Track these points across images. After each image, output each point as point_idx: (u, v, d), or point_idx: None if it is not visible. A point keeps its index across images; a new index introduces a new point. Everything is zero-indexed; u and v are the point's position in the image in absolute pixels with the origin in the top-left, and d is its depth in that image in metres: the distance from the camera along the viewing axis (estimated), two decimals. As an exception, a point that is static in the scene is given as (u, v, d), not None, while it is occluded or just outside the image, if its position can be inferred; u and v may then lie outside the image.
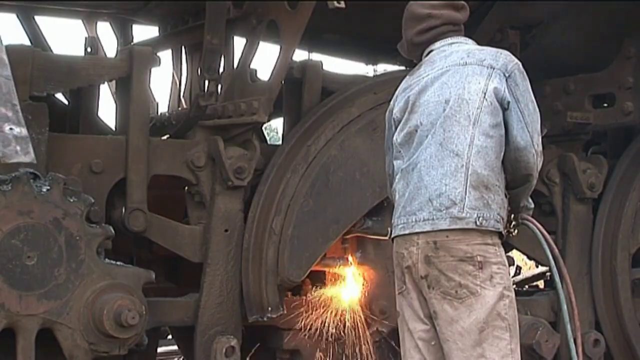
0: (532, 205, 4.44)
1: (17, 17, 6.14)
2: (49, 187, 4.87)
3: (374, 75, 6.39)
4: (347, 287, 5.69)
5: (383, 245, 5.58)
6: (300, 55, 6.05)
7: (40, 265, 4.83)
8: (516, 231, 4.38)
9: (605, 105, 6.26)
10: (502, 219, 4.17)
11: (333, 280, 5.77)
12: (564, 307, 4.59)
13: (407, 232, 4.18)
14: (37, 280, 4.82)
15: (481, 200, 4.10)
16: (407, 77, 4.45)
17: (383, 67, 6.85)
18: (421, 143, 4.20)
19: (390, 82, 5.76)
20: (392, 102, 4.48)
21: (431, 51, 4.40)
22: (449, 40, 4.39)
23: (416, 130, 4.24)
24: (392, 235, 4.29)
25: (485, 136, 4.12)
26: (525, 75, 4.24)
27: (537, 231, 4.49)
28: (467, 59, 4.25)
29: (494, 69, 4.20)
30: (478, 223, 4.08)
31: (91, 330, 4.92)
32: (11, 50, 4.18)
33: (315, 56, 6.37)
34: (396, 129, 4.38)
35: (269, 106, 5.31)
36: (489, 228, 4.10)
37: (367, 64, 6.95)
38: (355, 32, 6.24)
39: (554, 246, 4.60)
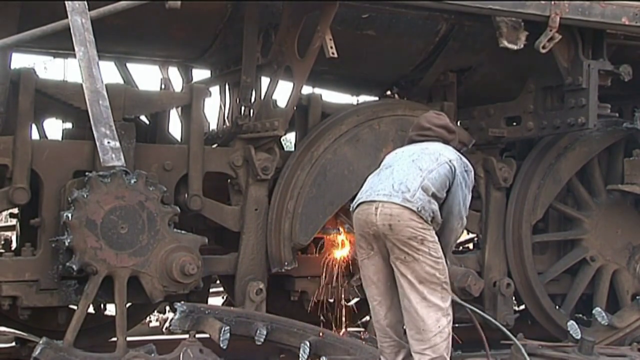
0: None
1: (115, 64, 6.13)
2: (135, 180, 4.87)
3: (357, 103, 6.36)
4: (338, 248, 5.69)
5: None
6: (306, 89, 6.02)
7: (130, 233, 4.83)
8: None
9: (515, 124, 6.23)
10: (431, 220, 4.17)
11: (329, 243, 5.75)
12: None
13: (369, 199, 4.22)
14: (127, 243, 4.83)
15: (425, 198, 4.14)
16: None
17: (363, 98, 6.83)
18: (399, 158, 4.33)
19: (368, 109, 5.76)
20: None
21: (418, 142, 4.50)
22: (433, 141, 4.48)
23: (395, 154, 4.38)
24: (356, 202, 4.31)
25: (439, 175, 4.22)
26: (472, 172, 4.40)
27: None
28: (442, 147, 4.41)
29: (459, 158, 4.36)
30: (418, 209, 4.11)
31: (164, 277, 4.93)
32: (110, 87, 4.18)
33: (317, 90, 6.34)
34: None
35: (285, 124, 5.28)
36: (423, 217, 4.10)
37: (352, 95, 6.93)
38: (344, 73, 6.22)
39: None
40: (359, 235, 4.27)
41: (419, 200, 4.11)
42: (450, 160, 4.29)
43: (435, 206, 4.18)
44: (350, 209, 4.41)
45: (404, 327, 4.30)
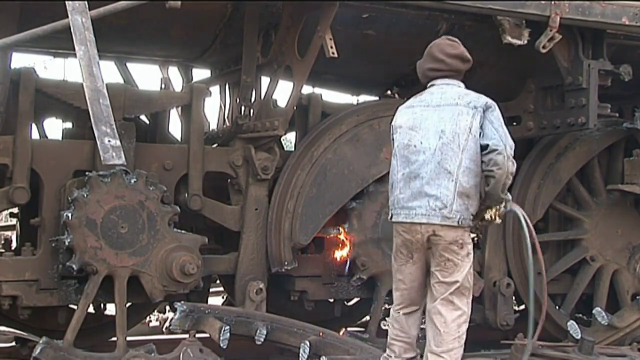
0: (510, 197, 4.30)
1: (115, 63, 6.13)
2: (135, 179, 4.88)
3: (357, 103, 6.36)
4: (339, 248, 5.68)
5: (363, 219, 5.58)
6: (306, 89, 6.03)
7: (130, 233, 4.84)
8: (497, 218, 4.23)
9: (515, 124, 6.23)
10: (473, 217, 4.16)
11: (329, 243, 5.75)
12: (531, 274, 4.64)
13: (408, 220, 4.16)
14: (128, 243, 4.84)
15: (463, 205, 4.10)
16: (412, 99, 4.39)
17: (363, 98, 6.83)
18: (423, 159, 4.16)
19: (368, 108, 5.76)
20: (395, 116, 4.41)
21: (433, 85, 4.34)
22: (447, 80, 4.32)
23: (415, 146, 4.21)
24: (395, 220, 4.25)
25: (469, 160, 4.10)
26: (496, 108, 4.20)
27: (521, 215, 4.45)
28: (458, 100, 4.21)
29: (476, 108, 4.15)
30: (459, 222, 4.09)
31: (164, 276, 4.93)
32: (110, 87, 4.17)
33: (317, 90, 6.34)
34: (394, 141, 4.33)
35: (285, 124, 5.28)
36: (464, 225, 4.10)
37: (352, 95, 6.93)
38: (344, 73, 6.22)
39: (532, 228, 4.57)
40: (401, 241, 4.24)
41: (457, 213, 4.08)
42: (469, 129, 4.09)
43: (472, 207, 4.12)
44: (389, 218, 4.36)
45: (422, 329, 4.31)
